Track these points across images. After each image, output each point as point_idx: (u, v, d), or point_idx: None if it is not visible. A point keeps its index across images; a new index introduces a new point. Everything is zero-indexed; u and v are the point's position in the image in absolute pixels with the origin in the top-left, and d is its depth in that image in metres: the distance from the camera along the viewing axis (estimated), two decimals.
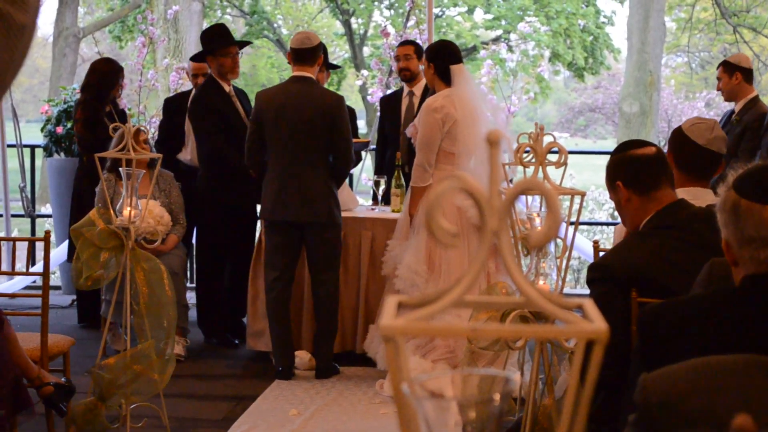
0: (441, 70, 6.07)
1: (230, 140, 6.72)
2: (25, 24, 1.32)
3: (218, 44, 6.84)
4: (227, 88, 6.92)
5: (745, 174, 2.19)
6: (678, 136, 4.00)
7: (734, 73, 7.21)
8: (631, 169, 3.45)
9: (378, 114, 9.00)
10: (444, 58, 6.09)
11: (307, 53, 6.12)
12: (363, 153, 8.33)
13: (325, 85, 6.35)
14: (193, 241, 7.49)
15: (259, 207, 6.65)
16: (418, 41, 8.14)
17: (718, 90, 7.43)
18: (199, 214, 6.97)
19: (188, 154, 7.29)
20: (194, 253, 7.65)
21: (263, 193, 6.16)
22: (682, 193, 3.72)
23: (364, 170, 9.94)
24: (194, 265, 7.97)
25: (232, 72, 6.94)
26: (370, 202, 7.44)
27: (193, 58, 7.43)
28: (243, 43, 7.65)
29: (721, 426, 1.51)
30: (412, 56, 7.35)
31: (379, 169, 7.47)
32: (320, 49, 6.20)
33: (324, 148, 6.03)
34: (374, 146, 8.14)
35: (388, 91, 8.52)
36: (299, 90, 6.04)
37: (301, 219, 6.01)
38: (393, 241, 6.27)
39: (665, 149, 3.83)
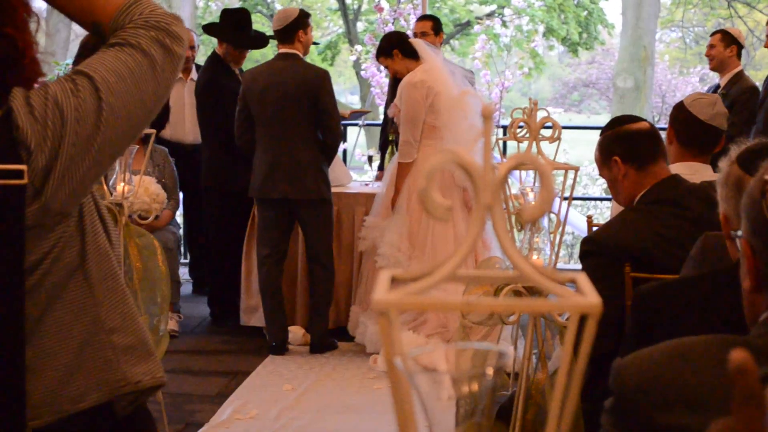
0: (407, 51, 6.15)
1: None
2: (182, 55, 1.83)
3: (241, 42, 6.83)
4: (235, 69, 6.93)
5: (749, 150, 2.17)
6: (680, 111, 3.99)
7: (731, 45, 7.31)
8: (628, 144, 3.45)
9: (373, 87, 8.96)
10: (401, 40, 6.21)
11: (284, 32, 6.10)
12: (358, 128, 8.31)
13: (307, 59, 6.28)
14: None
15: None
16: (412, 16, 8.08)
17: (707, 56, 7.50)
18: (204, 195, 6.95)
19: (168, 132, 7.25)
20: (186, 229, 7.63)
21: (253, 170, 6.14)
22: (681, 167, 3.72)
23: (358, 146, 9.92)
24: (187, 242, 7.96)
25: (236, 63, 6.96)
26: (364, 176, 7.40)
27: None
28: (262, 44, 7.48)
29: (698, 407, 1.51)
30: (429, 32, 7.26)
31: (385, 145, 7.38)
32: (298, 24, 6.09)
33: (310, 124, 6.01)
34: (371, 121, 8.10)
35: (382, 67, 8.45)
36: (283, 67, 6.03)
37: (290, 196, 6.00)
38: (371, 217, 6.29)
39: (659, 125, 3.83)
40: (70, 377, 1.82)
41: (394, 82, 6.47)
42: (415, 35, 7.39)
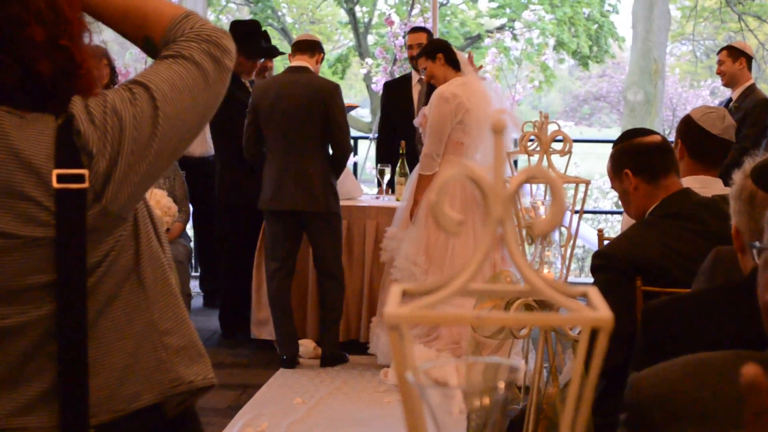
0: (451, 59, 6.08)
1: None
2: (230, 67, 1.95)
3: (254, 52, 6.86)
4: (245, 81, 6.93)
5: (763, 164, 2.17)
6: (690, 125, 3.99)
7: (739, 59, 7.33)
8: (640, 157, 3.45)
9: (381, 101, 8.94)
10: (448, 47, 6.14)
11: (306, 44, 6.16)
12: (369, 141, 8.30)
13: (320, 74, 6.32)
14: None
15: None
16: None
17: (718, 73, 7.52)
18: (216, 208, 6.95)
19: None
20: (198, 244, 7.63)
21: (262, 183, 6.14)
22: (692, 181, 3.72)
23: (369, 159, 9.91)
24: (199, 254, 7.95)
25: (248, 74, 6.97)
26: (375, 190, 7.39)
27: None
28: (274, 54, 7.53)
29: (712, 422, 1.51)
30: (425, 44, 7.28)
31: (385, 158, 7.36)
32: (319, 46, 6.24)
33: (320, 136, 6.02)
34: (376, 134, 8.08)
35: (387, 81, 8.44)
36: (294, 79, 6.05)
37: (299, 208, 6.00)
38: (392, 228, 6.27)
39: (670, 138, 3.83)
40: (126, 377, 1.88)
41: (428, 89, 6.44)
42: (410, 47, 7.39)
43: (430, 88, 6.34)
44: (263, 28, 7.22)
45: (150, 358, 1.92)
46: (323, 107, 5.97)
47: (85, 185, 1.72)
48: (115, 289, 1.86)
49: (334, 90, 6.08)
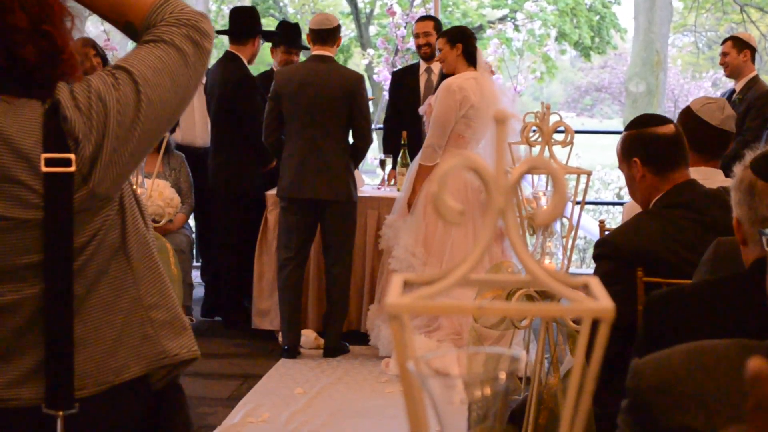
0: (469, 52, 6.04)
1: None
2: (210, 50, 2.01)
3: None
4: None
5: (763, 155, 2.17)
6: (689, 116, 3.97)
7: (743, 50, 7.33)
8: (650, 147, 3.41)
9: (385, 91, 8.93)
10: (471, 41, 6.09)
11: (327, 33, 6.14)
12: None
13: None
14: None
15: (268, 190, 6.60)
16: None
17: (721, 64, 7.52)
18: (216, 196, 6.92)
19: (179, 135, 7.28)
20: (198, 233, 7.63)
21: (281, 171, 6.13)
22: (693, 173, 3.70)
23: (370, 149, 9.89)
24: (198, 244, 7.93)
25: (249, 61, 6.97)
26: (377, 180, 7.36)
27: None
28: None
29: (714, 410, 1.52)
30: (432, 32, 7.22)
31: (393, 148, 7.30)
32: (339, 30, 6.23)
33: (343, 125, 6.04)
34: (378, 124, 8.05)
35: (395, 70, 8.42)
36: (319, 68, 6.04)
37: (320, 196, 6.00)
38: (391, 216, 6.26)
39: None
40: (114, 351, 1.96)
41: (442, 78, 6.41)
42: (417, 36, 7.36)
43: (444, 78, 6.32)
44: (264, 17, 7.24)
45: (137, 332, 1.99)
46: (350, 98, 5.98)
47: (72, 169, 1.79)
48: (104, 267, 1.92)
49: (361, 81, 6.10)
